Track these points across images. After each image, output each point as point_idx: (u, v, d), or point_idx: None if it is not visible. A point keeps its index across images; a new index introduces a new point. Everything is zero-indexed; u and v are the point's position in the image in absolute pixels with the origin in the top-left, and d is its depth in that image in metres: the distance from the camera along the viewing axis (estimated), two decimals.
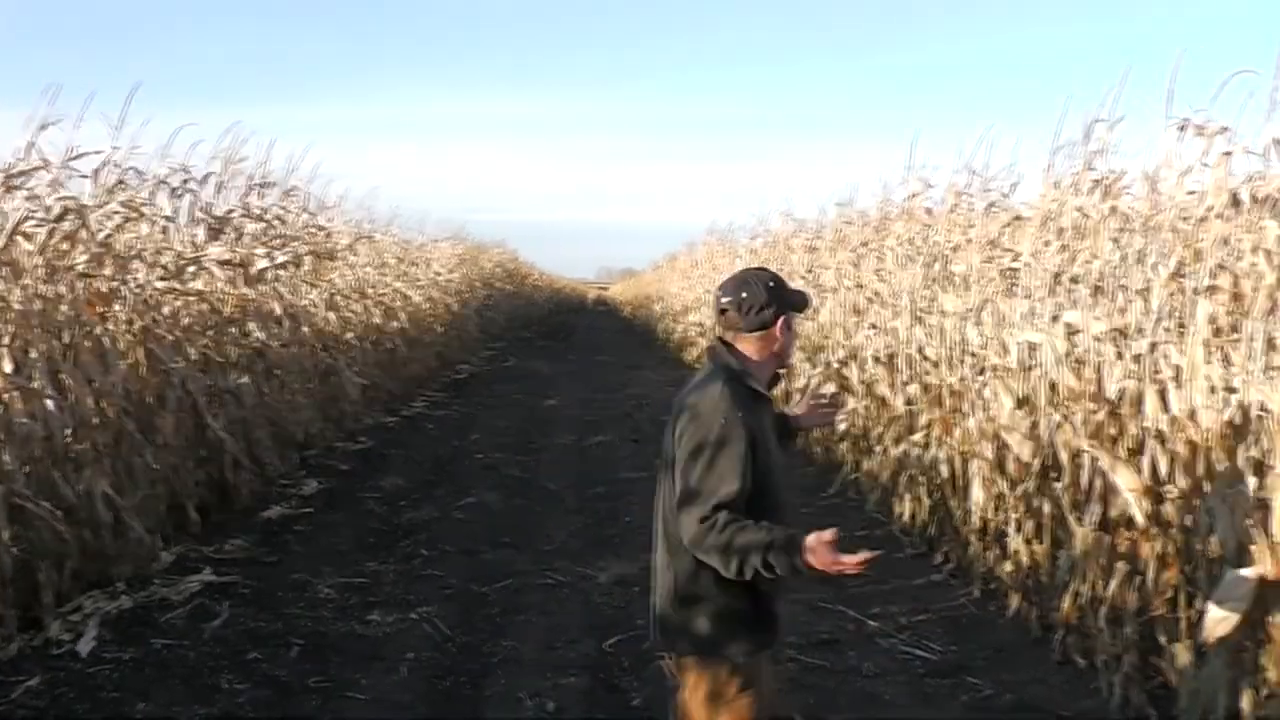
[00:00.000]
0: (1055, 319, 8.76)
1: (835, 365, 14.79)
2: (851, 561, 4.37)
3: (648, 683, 7.57)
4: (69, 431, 9.20)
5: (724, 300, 4.79)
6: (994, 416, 9.38)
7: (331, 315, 18.00)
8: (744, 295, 4.76)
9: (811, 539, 4.35)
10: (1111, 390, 7.92)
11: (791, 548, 4.36)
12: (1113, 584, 7.42)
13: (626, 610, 9.15)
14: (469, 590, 9.90)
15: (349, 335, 18.76)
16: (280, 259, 14.80)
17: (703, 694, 4.62)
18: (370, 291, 21.45)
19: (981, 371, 9.98)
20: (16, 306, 9.02)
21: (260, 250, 14.36)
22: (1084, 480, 7.92)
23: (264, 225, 14.96)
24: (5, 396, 8.54)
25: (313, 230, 17.56)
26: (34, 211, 9.73)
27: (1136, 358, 7.76)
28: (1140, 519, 7.16)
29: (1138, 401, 7.56)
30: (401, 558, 10.81)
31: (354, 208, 22.09)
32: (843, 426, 13.83)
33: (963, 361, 10.57)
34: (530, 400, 22.92)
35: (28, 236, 9.67)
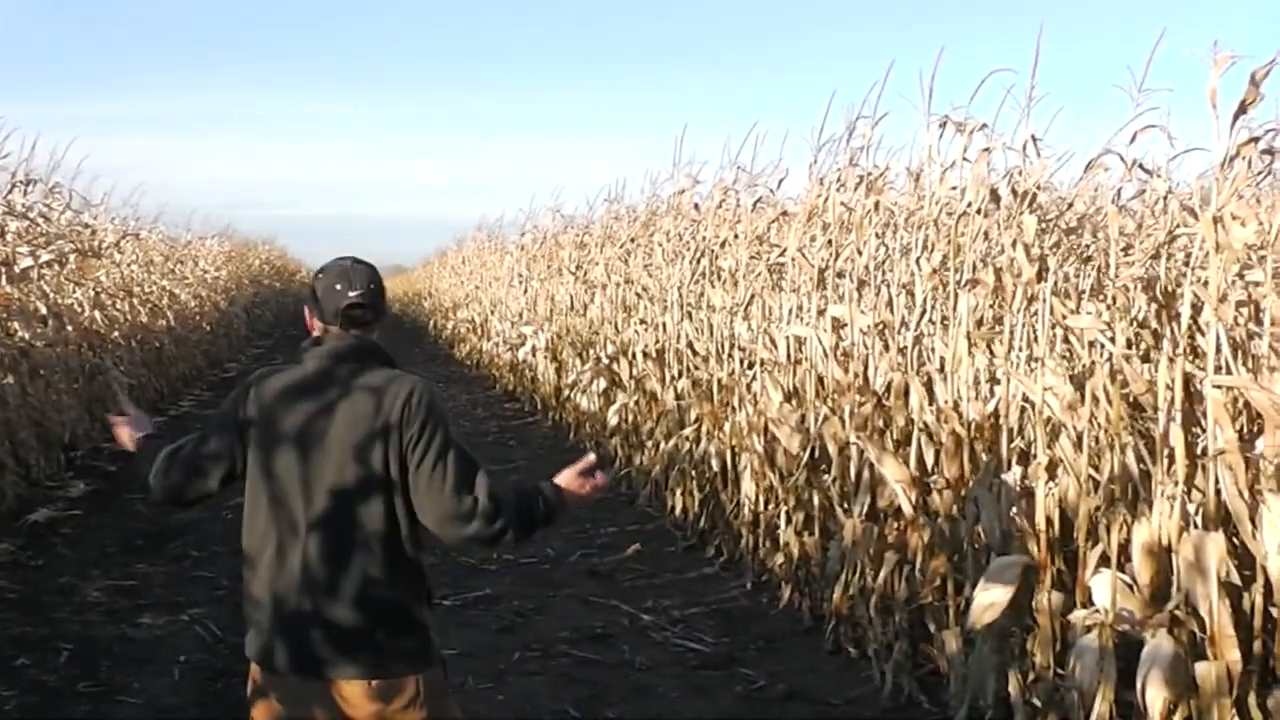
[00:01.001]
0: (822, 313, 8.90)
1: (605, 361, 14.88)
2: None
3: None
4: None
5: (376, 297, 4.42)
6: (763, 410, 9.51)
7: (98, 314, 17.63)
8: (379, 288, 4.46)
9: None
10: (878, 383, 8.09)
11: None
12: (882, 573, 7.59)
13: None
14: (240, 591, 9.77)
15: (115, 334, 18.39)
16: (44, 257, 14.47)
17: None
18: (137, 290, 21.08)
19: (750, 366, 10.13)
20: None
21: (24, 248, 14.02)
22: (853, 472, 8.07)
23: (27, 223, 14.60)
24: None
25: (77, 228, 17.19)
26: None
27: (902, 350, 7.95)
28: (908, 509, 7.32)
29: (904, 393, 7.72)
30: (171, 559, 10.68)
31: (119, 205, 21.69)
32: (614, 420, 13.94)
33: (732, 356, 10.70)
34: None
35: None
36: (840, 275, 8.95)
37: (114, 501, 13.04)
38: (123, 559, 10.64)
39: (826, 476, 8.56)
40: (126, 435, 4.83)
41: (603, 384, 14.88)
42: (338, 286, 4.29)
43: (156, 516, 12.21)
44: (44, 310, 14.55)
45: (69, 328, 15.63)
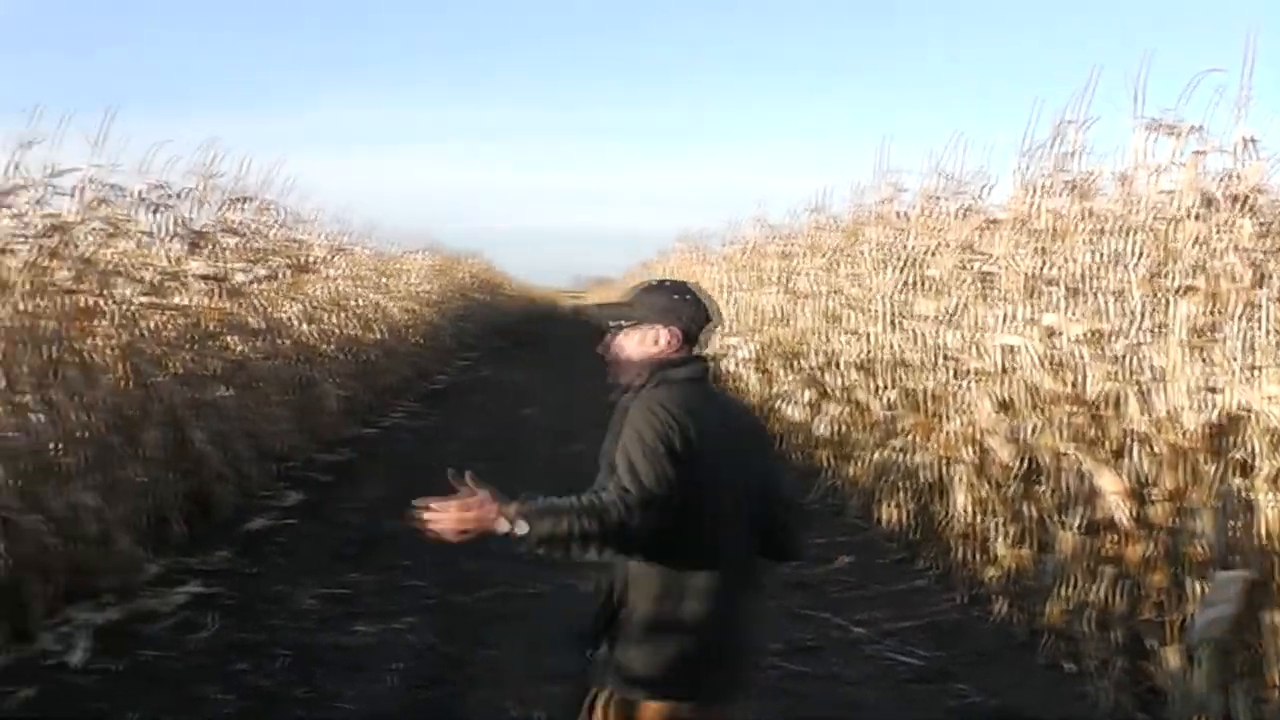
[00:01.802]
0: (1033, 322, 8.80)
1: (813, 371, 14.83)
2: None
3: None
4: (56, 445, 9.21)
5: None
6: (974, 420, 9.41)
7: (309, 327, 18.00)
8: None
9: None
10: (1092, 392, 7.96)
11: None
12: (1099, 588, 7.45)
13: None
14: (450, 600, 9.92)
15: (327, 347, 18.77)
16: (259, 272, 14.83)
17: None
18: (347, 303, 21.44)
19: (960, 375, 10.02)
20: (3, 322, 9.04)
21: (239, 264, 14.38)
22: (1067, 483, 7.95)
23: (242, 239, 14.96)
24: None
25: (290, 244, 17.56)
26: (18, 229, 9.76)
27: (1116, 359, 7.80)
28: (1125, 522, 7.19)
29: (1118, 403, 7.60)
30: (382, 568, 10.81)
31: (330, 221, 22.05)
32: (822, 431, 13.86)
33: (941, 365, 10.59)
34: (507, 410, 22.92)
35: (12, 253, 9.69)
36: (1050, 283, 8.82)
37: (326, 511, 13.29)
38: (335, 567, 10.82)
39: (1040, 488, 8.43)
40: (494, 512, 3.98)
41: (811, 394, 14.83)
42: (703, 307, 4.47)
43: (367, 526, 12.43)
44: (259, 324, 14.89)
45: (283, 341, 15.98)
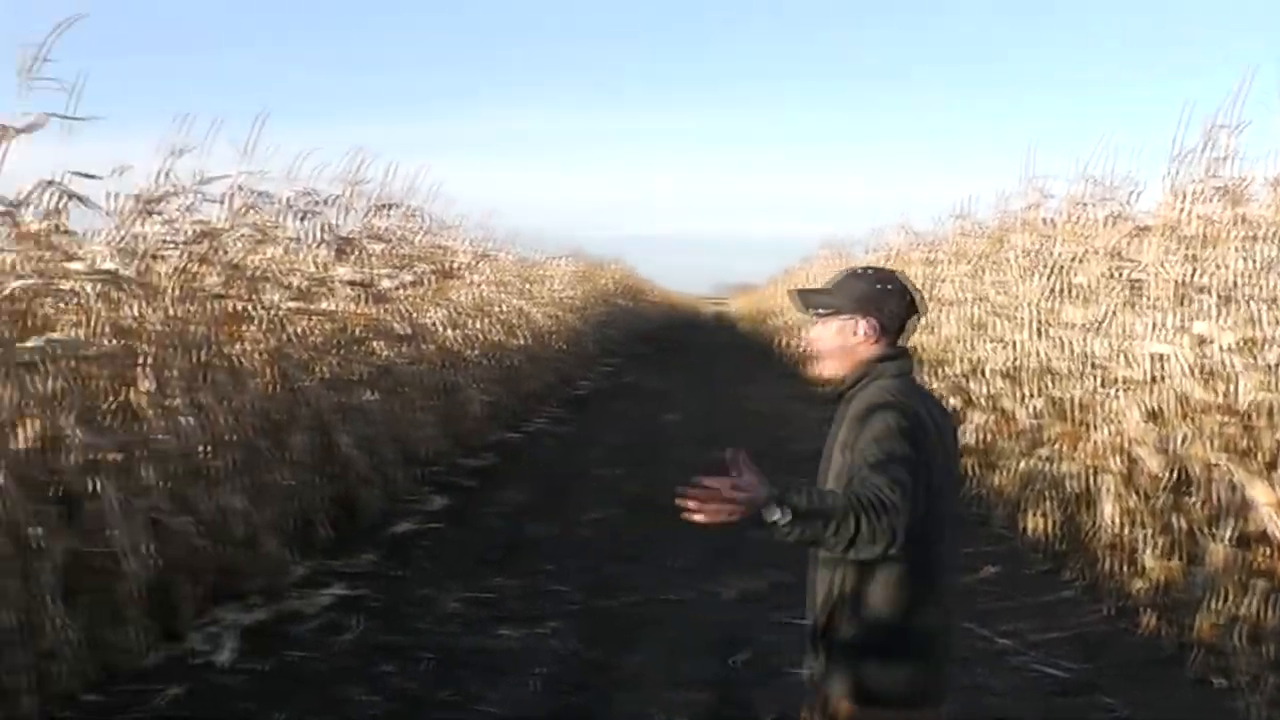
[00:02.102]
0: (1183, 330, 8.66)
1: (958, 379, 14.71)
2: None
3: (775, 700, 7.58)
4: (205, 448, 9.37)
5: None
6: (1123, 430, 9.28)
7: (454, 333, 18.15)
8: None
9: None
10: (1244, 402, 7.82)
11: None
12: (1251, 602, 7.31)
13: (751, 627, 9.17)
14: (594, 605, 9.97)
15: (471, 352, 18.92)
16: (404, 278, 14.99)
17: None
18: (491, 309, 21.59)
19: (1108, 384, 9.89)
20: (155, 327, 9.20)
21: (385, 270, 14.55)
22: (1218, 495, 7.81)
23: (388, 245, 15.15)
24: (145, 415, 8.71)
25: (435, 249, 17.73)
26: (169, 235, 9.93)
27: (1269, 368, 7.66)
28: (1278, 535, 7.05)
29: (1271, 413, 7.46)
30: (526, 573, 10.88)
31: (474, 227, 22.22)
32: (967, 439, 13.74)
33: (1089, 374, 10.46)
34: (649, 416, 22.96)
35: (163, 259, 9.87)
36: (1201, 290, 8.68)
37: (470, 516, 13.41)
38: (479, 571, 10.90)
39: (1190, 499, 8.28)
40: (764, 495, 3.67)
41: (955, 402, 14.71)
42: (907, 298, 4.27)
43: (511, 531, 12.53)
44: (404, 329, 15.04)
45: (427, 346, 16.13)
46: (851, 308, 4.21)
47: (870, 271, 4.40)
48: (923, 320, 4.41)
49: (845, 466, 3.99)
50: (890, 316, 4.20)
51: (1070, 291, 11.33)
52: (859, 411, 4.07)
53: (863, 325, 4.19)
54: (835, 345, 4.26)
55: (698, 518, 3.58)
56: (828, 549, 3.76)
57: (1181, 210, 9.13)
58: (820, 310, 4.30)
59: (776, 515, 3.58)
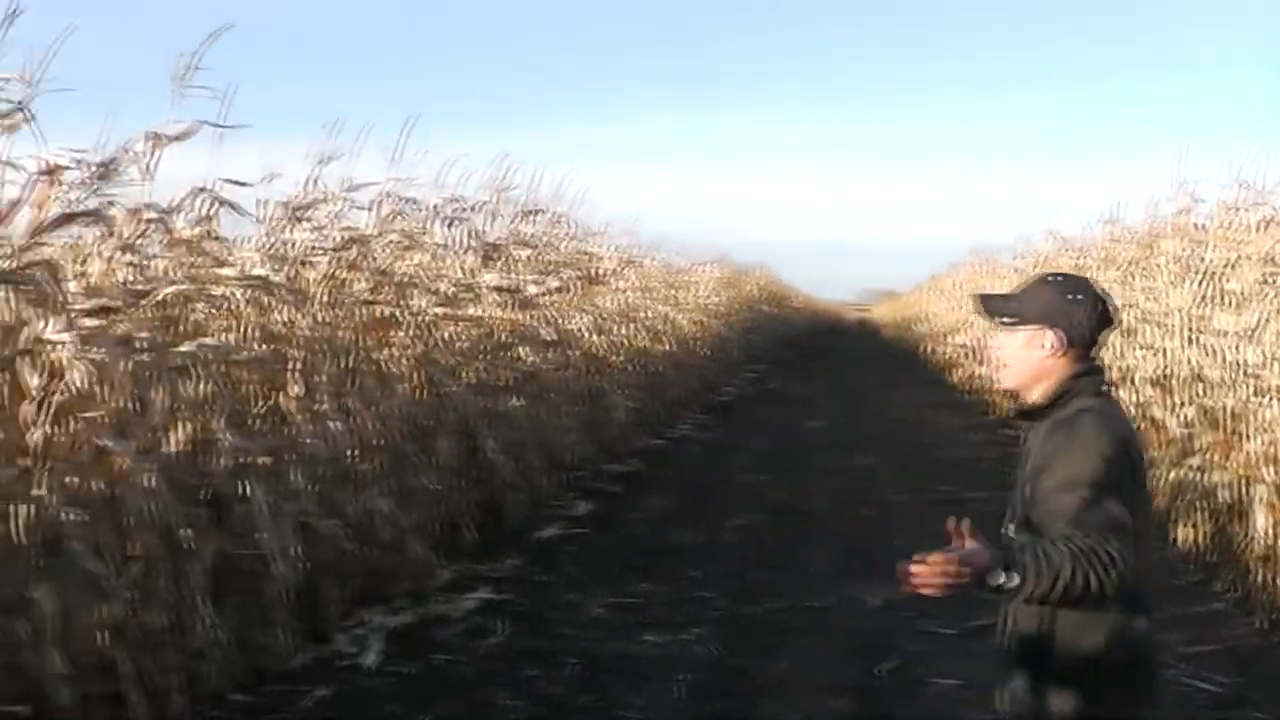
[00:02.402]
0: None
1: (1107, 387, 14.49)
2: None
3: (920, 710, 7.51)
4: (352, 452, 9.47)
5: None
6: (1276, 439, 9.08)
7: (599, 339, 18.19)
8: None
9: None
10: None
11: None
12: None
13: (895, 635, 9.07)
14: (738, 612, 9.93)
15: (616, 358, 18.95)
16: (550, 284, 15.05)
17: None
18: (636, 315, 21.61)
19: (1262, 393, 9.69)
20: (304, 332, 9.31)
21: (531, 276, 14.62)
22: None
23: (534, 251, 15.23)
24: (294, 419, 8.82)
25: (580, 256, 17.79)
26: (318, 241, 10.05)
27: None
28: None
29: None
30: (670, 579, 10.87)
31: (619, 233, 22.25)
32: None
33: (1242, 383, 10.25)
34: (793, 422, 22.91)
35: (312, 265, 10.00)
36: None
37: (615, 521, 13.44)
38: (624, 577, 10.91)
39: None
40: (987, 561, 3.45)
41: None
42: (1100, 309, 4.04)
43: (656, 536, 12.54)
44: (549, 335, 15.11)
45: (573, 352, 16.19)
46: (1039, 317, 3.98)
47: (1060, 278, 4.15)
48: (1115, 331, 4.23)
49: (1046, 492, 3.76)
50: (1078, 328, 3.97)
51: (1222, 298, 11.11)
52: (1057, 435, 3.88)
53: (1050, 337, 3.96)
54: (1020, 357, 4.04)
55: (921, 591, 3.39)
56: (1050, 604, 3.59)
57: None
58: (1006, 319, 4.07)
59: (1001, 579, 3.41)
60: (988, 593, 3.40)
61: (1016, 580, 3.40)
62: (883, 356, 45.83)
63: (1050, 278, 4.13)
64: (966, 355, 28.45)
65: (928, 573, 3.33)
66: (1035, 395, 4.04)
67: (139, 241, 8.09)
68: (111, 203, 7.68)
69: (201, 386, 7.87)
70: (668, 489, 15.43)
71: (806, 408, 25.39)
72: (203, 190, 8.68)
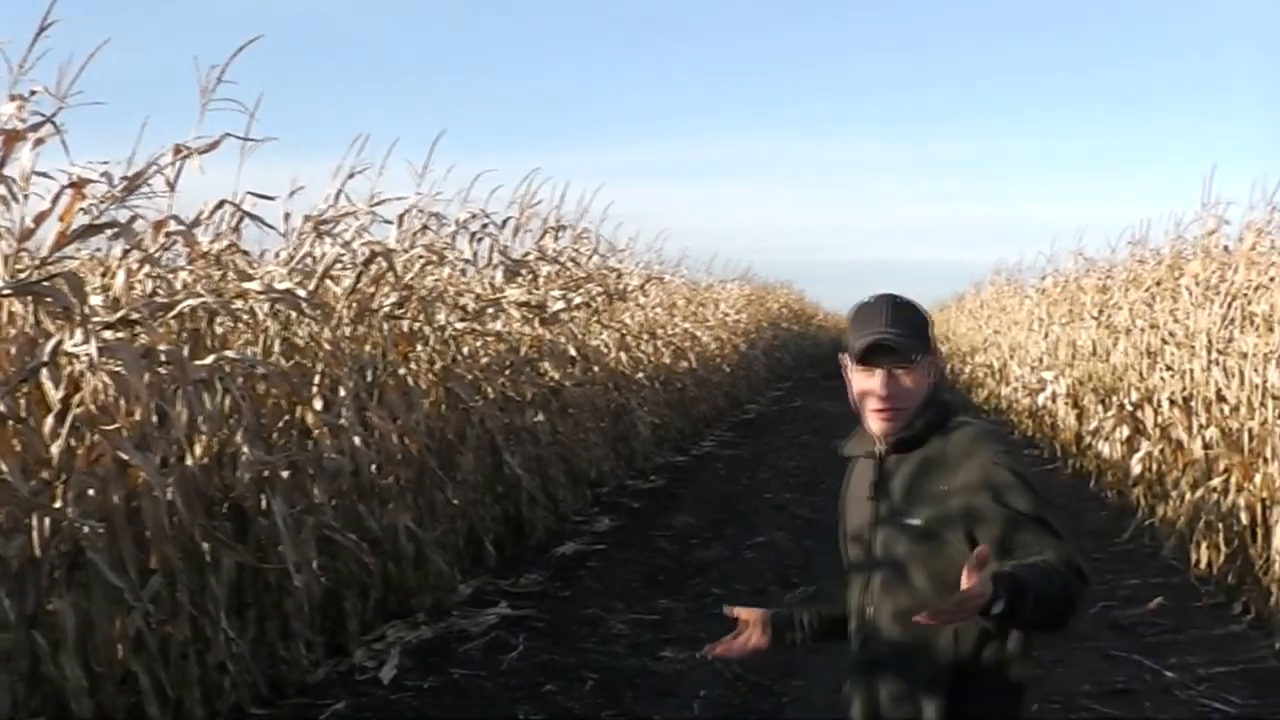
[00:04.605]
0: None
1: (1129, 408, 14.47)
2: None
3: None
4: (374, 467, 9.47)
5: None
6: None
7: (623, 355, 18.20)
8: None
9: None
10: None
11: None
12: None
13: None
14: None
15: (639, 375, 18.95)
16: (574, 300, 15.07)
17: None
18: (660, 332, 21.63)
19: None
20: (327, 346, 9.33)
21: (555, 292, 14.65)
22: None
23: (558, 267, 15.25)
24: (316, 432, 8.83)
25: (604, 272, 17.81)
26: (342, 256, 10.07)
27: None
28: None
29: None
30: (692, 595, 10.84)
31: (643, 250, 22.29)
32: (1137, 470, 13.46)
33: (1264, 404, 10.21)
34: (818, 441, 22.82)
35: (336, 279, 10.02)
36: None
37: (638, 538, 13.41)
38: (646, 593, 10.90)
39: None
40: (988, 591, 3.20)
41: (1125, 431, 14.45)
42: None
43: (679, 553, 12.51)
44: (573, 351, 15.12)
45: (596, 368, 16.20)
46: (925, 346, 3.76)
47: (907, 299, 3.84)
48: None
49: (1017, 516, 3.51)
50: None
51: (1248, 320, 11.07)
52: (955, 459, 3.65)
53: (932, 362, 3.78)
54: (916, 394, 3.76)
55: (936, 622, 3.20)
56: (1037, 629, 3.49)
57: None
58: (916, 355, 3.74)
59: (1000, 606, 3.21)
60: (991, 619, 3.25)
61: (1003, 606, 3.20)
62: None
63: (903, 300, 3.82)
64: (987, 375, 28.42)
65: (944, 613, 3.16)
66: (905, 426, 3.78)
67: (163, 254, 8.12)
68: (136, 216, 7.73)
69: (223, 400, 7.88)
70: (691, 505, 15.40)
71: (832, 426, 25.21)
72: (227, 203, 8.72)
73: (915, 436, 3.75)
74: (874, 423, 3.79)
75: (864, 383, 3.78)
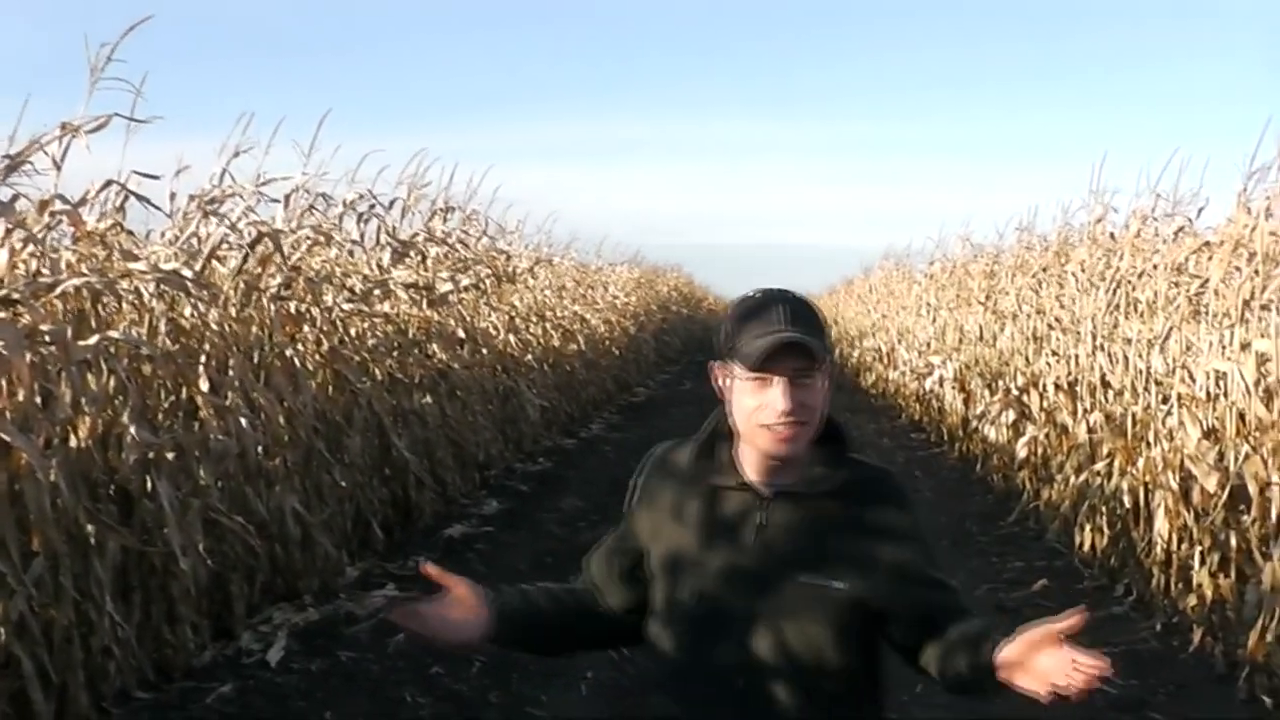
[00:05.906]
0: (1245, 347, 8.58)
1: (1015, 393, 14.66)
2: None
3: None
4: (261, 449, 9.41)
5: None
6: (1179, 446, 9.18)
7: (511, 337, 18.15)
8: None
9: None
10: None
11: None
12: None
13: None
14: None
15: (528, 357, 18.94)
16: (463, 282, 15.04)
17: None
18: (549, 314, 21.60)
19: (1166, 400, 9.81)
20: (213, 327, 9.26)
21: (443, 273, 14.60)
22: (1274, 513, 7.75)
23: (447, 249, 15.20)
24: (202, 414, 8.76)
25: (493, 254, 17.77)
26: (229, 236, 9.97)
27: None
28: None
29: None
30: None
31: (533, 232, 22.28)
32: (1023, 454, 13.63)
33: (1147, 390, 10.38)
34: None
35: (222, 260, 9.93)
36: (1265, 308, 8.59)
37: (526, 520, 13.41)
38: (534, 576, 10.76)
39: (1245, 517, 8.21)
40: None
41: (1011, 416, 14.64)
42: None
43: (567, 536, 12.52)
44: (461, 333, 15.08)
45: (485, 350, 16.16)
46: (829, 348, 3.26)
47: (799, 295, 3.29)
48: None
49: (931, 576, 3.30)
50: None
51: (1132, 306, 11.24)
52: (872, 519, 3.29)
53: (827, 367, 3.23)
54: (822, 405, 3.23)
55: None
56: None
57: (1251, 226, 9.03)
58: (823, 358, 3.19)
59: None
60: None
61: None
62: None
63: (799, 296, 3.28)
64: (875, 359, 28.63)
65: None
66: (806, 460, 3.28)
67: (47, 234, 8.02)
68: (18, 195, 7.64)
69: (108, 381, 7.81)
70: (580, 488, 15.41)
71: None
72: (112, 183, 8.62)
73: (814, 478, 3.28)
74: (769, 444, 3.20)
75: (758, 395, 3.16)
